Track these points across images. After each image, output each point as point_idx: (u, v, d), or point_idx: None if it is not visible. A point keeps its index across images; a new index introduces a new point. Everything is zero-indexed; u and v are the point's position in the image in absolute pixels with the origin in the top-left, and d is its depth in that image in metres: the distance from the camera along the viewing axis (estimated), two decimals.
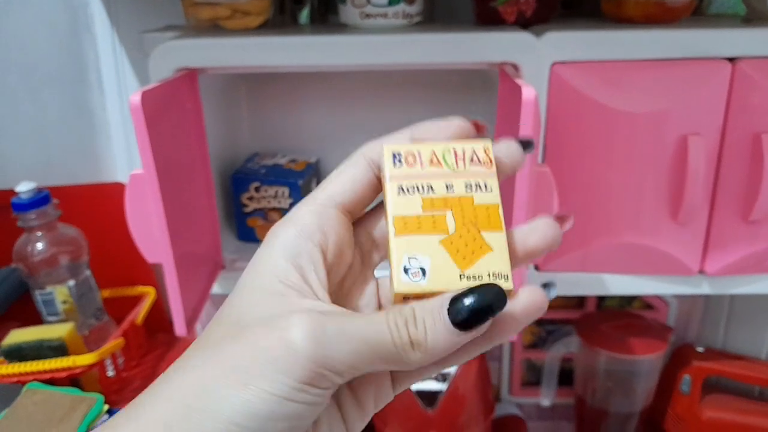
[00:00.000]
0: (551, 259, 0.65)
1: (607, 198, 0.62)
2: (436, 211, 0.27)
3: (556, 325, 0.92)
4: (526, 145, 0.29)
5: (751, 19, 0.66)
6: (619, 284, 0.66)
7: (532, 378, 0.95)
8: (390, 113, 0.79)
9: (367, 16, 0.63)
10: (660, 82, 0.58)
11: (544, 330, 0.92)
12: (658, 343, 0.79)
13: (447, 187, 0.28)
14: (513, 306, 0.26)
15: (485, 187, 0.28)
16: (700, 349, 0.84)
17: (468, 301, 0.24)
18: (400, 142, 0.29)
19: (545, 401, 0.90)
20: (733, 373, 0.81)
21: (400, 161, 0.28)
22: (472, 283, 0.26)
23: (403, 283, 0.26)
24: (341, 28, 0.65)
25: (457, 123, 0.29)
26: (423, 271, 0.26)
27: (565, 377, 0.91)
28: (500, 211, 0.28)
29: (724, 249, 0.64)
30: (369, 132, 0.81)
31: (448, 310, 0.24)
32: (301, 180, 0.70)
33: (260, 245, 0.27)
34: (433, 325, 0.24)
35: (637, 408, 0.83)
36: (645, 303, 0.89)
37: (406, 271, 0.26)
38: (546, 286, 0.27)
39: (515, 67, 0.58)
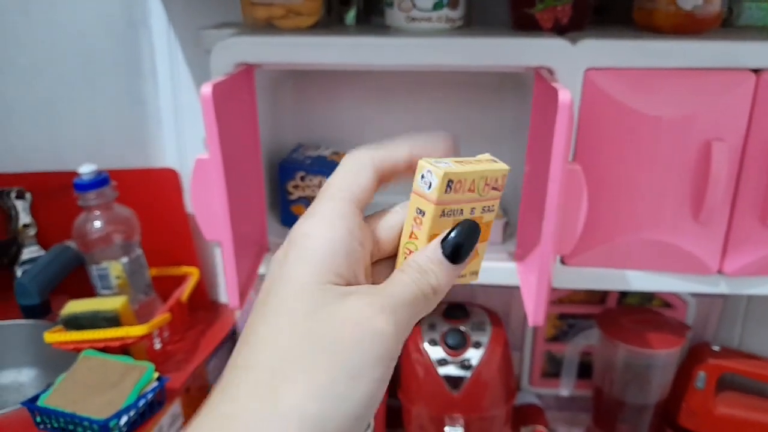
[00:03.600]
0: (577, 253, 0.69)
1: (632, 196, 0.65)
2: None
3: (578, 320, 0.96)
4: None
5: None
6: (640, 280, 0.70)
7: (552, 370, 0.99)
8: (427, 110, 0.83)
9: (413, 19, 0.67)
10: (687, 89, 0.62)
11: (566, 324, 0.96)
12: (676, 339, 0.83)
13: (471, 210, 0.32)
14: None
15: (492, 207, 0.33)
16: (716, 348, 0.87)
17: (453, 239, 0.30)
18: (399, 149, 0.32)
19: (564, 391, 0.93)
20: (748, 372, 0.84)
21: (451, 188, 0.31)
22: (457, 279, 0.32)
23: None
24: (386, 29, 0.70)
25: (443, 135, 0.33)
26: None
27: (584, 370, 0.94)
28: (492, 225, 0.33)
29: (743, 250, 0.67)
30: (406, 127, 0.86)
31: (445, 254, 0.30)
32: None
33: (291, 245, 0.29)
34: (439, 269, 0.30)
35: (653, 401, 0.87)
36: (664, 302, 0.92)
37: None
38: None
39: (550, 71, 0.62)
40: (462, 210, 0.32)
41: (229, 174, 0.57)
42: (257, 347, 0.27)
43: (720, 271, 0.69)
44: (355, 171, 0.31)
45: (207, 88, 0.52)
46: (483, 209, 0.32)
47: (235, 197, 0.60)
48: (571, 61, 0.62)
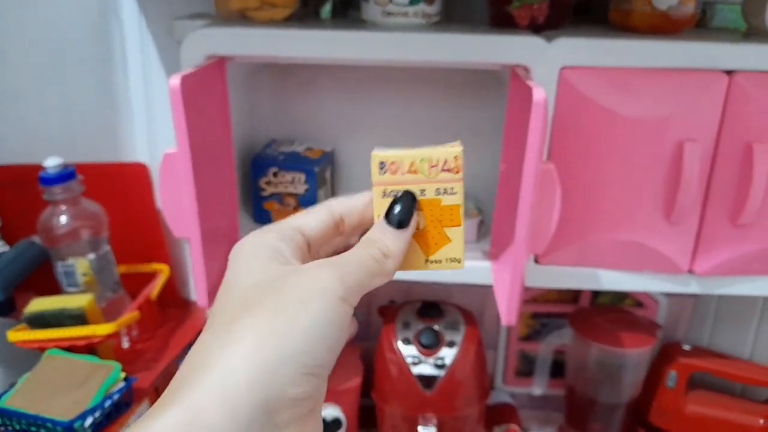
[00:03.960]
0: (550, 252, 0.69)
1: (605, 196, 0.65)
2: None
3: (551, 319, 0.96)
4: None
5: (750, 34, 0.69)
6: (612, 280, 0.70)
7: (526, 369, 0.99)
8: (403, 108, 0.83)
9: (389, 14, 0.66)
10: (661, 89, 0.62)
11: (539, 323, 0.96)
12: (647, 338, 0.83)
13: (421, 191, 0.34)
14: None
15: (451, 190, 0.34)
16: (686, 347, 0.88)
17: (394, 209, 0.34)
18: (360, 197, 0.35)
19: (537, 390, 0.94)
20: (717, 371, 0.85)
21: (384, 169, 0.34)
22: (434, 266, 0.35)
23: None
24: (362, 24, 0.69)
25: (366, 196, 0.36)
26: None
27: (557, 369, 0.95)
28: (461, 210, 0.34)
29: (713, 250, 0.68)
30: (382, 124, 0.85)
31: (388, 222, 0.33)
32: (317, 167, 0.74)
33: (235, 253, 0.33)
34: (386, 237, 0.33)
35: (624, 400, 0.87)
36: (636, 301, 0.93)
37: None
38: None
39: (526, 69, 0.62)
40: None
41: (198, 169, 0.56)
42: (210, 324, 0.30)
43: (691, 271, 0.69)
44: (307, 210, 0.35)
45: (175, 80, 0.51)
46: (437, 191, 0.34)
47: (204, 193, 0.58)
48: (547, 60, 0.61)
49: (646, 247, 0.67)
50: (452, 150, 0.34)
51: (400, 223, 0.33)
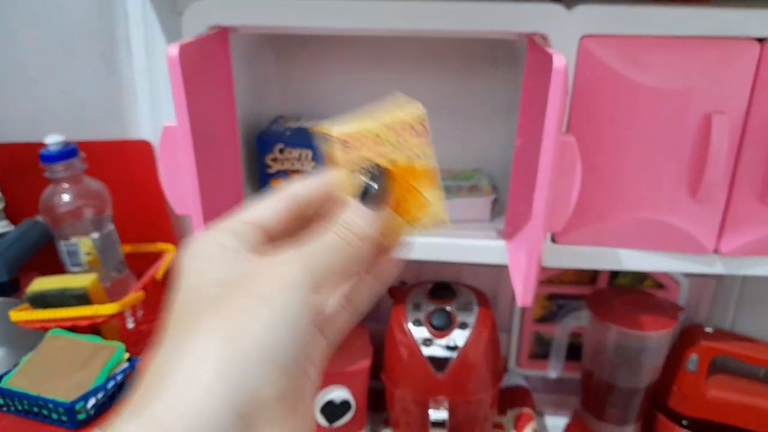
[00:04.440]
0: (568, 231, 0.66)
1: (627, 171, 0.62)
2: None
3: (567, 300, 0.93)
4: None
5: None
6: (634, 259, 0.67)
7: (540, 351, 0.97)
8: (413, 82, 0.80)
9: None
10: (687, 59, 0.59)
11: (556, 304, 0.94)
12: (668, 321, 0.80)
13: (391, 161, 0.32)
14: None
15: (422, 153, 0.33)
16: (708, 330, 0.85)
17: (366, 185, 0.31)
18: (316, 178, 0.32)
19: (552, 373, 0.91)
20: (740, 354, 0.82)
21: (348, 146, 0.32)
22: (419, 230, 0.33)
23: None
24: None
25: (329, 175, 0.33)
26: None
27: (573, 352, 0.92)
28: (435, 170, 0.33)
29: (741, 229, 0.65)
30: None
31: (360, 200, 0.31)
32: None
33: (185, 256, 0.30)
34: (359, 216, 0.30)
35: (643, 384, 0.84)
36: (656, 282, 0.90)
37: None
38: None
39: (544, 37, 0.59)
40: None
41: (199, 143, 0.53)
42: (167, 332, 0.28)
43: (716, 251, 0.66)
44: (263, 200, 0.32)
45: (174, 49, 0.48)
46: (408, 157, 0.32)
47: (207, 168, 0.56)
48: (566, 28, 0.58)
49: (670, 225, 0.64)
50: (414, 112, 0.32)
51: (374, 199, 0.31)
